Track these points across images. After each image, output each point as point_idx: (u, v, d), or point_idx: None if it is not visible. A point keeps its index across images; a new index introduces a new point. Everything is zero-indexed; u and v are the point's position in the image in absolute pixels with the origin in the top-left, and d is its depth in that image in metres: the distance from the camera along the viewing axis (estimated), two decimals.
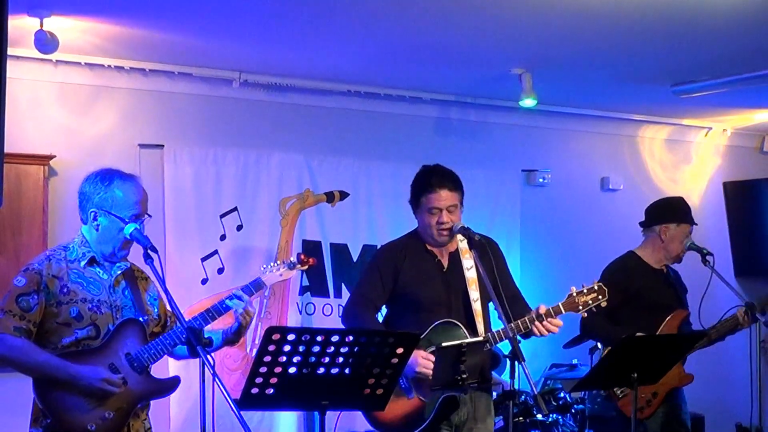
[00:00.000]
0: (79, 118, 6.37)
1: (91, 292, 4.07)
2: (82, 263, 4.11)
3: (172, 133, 6.63)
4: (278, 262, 4.67)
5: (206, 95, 6.76)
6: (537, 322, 4.67)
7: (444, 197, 4.82)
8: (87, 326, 4.03)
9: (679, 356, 5.50)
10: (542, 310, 4.67)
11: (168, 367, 5.29)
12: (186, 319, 4.07)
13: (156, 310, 4.32)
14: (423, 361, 4.62)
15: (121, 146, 6.44)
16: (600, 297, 4.81)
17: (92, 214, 4.11)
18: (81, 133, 6.36)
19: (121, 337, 4.08)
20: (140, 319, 4.17)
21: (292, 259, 4.73)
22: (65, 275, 4.05)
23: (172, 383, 4.24)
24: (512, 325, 4.62)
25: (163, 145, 6.55)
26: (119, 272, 4.19)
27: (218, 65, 6.64)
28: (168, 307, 4.35)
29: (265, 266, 4.63)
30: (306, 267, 4.78)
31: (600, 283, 4.84)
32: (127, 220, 4.07)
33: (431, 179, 4.86)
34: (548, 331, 4.69)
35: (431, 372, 4.62)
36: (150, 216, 4.25)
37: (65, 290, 4.02)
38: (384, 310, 5.10)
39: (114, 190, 4.09)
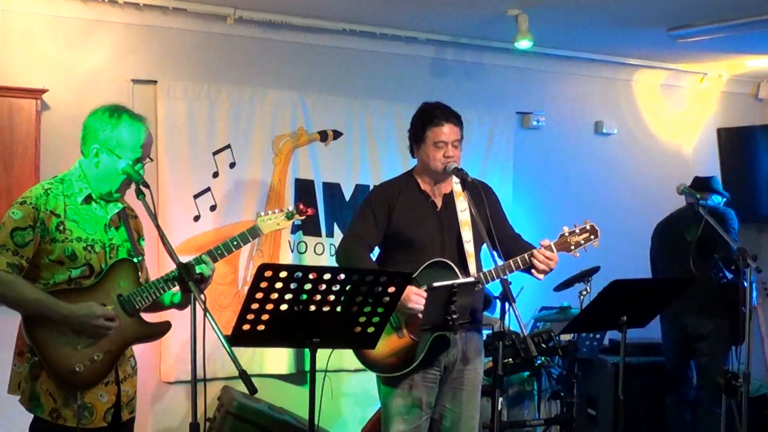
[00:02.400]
0: (72, 53, 6.32)
1: (86, 230, 4.03)
2: (79, 200, 4.05)
3: (165, 68, 6.59)
4: (276, 211, 4.64)
5: (200, 31, 6.71)
6: (537, 255, 4.69)
7: (449, 131, 4.85)
8: (81, 266, 3.99)
9: (667, 300, 5.54)
10: (545, 243, 4.71)
11: None
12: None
13: (143, 248, 4.33)
14: (415, 297, 4.63)
15: (115, 81, 6.40)
16: (592, 237, 4.83)
17: (94, 150, 4.04)
18: (74, 68, 6.32)
19: (114, 278, 4.06)
20: (134, 260, 4.15)
21: (290, 208, 4.70)
22: (63, 212, 3.99)
23: (163, 328, 4.23)
24: (503, 265, 4.63)
25: (156, 81, 6.51)
26: (116, 210, 4.15)
27: (213, 1, 6.57)
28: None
29: (262, 214, 4.60)
30: (304, 217, 4.77)
31: (592, 223, 4.84)
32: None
33: (437, 113, 4.89)
34: (546, 265, 4.70)
35: (422, 308, 4.63)
36: (151, 159, 4.21)
37: (61, 227, 3.97)
38: (377, 250, 5.12)
39: (121, 129, 4.03)
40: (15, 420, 4.15)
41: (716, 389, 6.51)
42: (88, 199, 4.08)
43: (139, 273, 4.16)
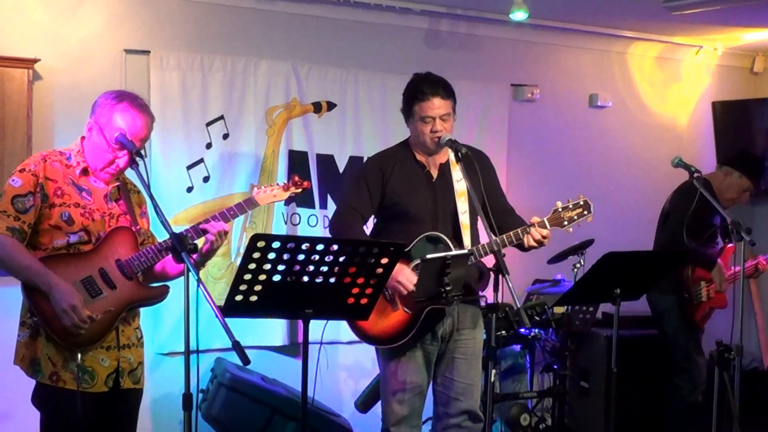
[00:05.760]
0: (64, 22, 6.27)
1: (84, 198, 4.11)
2: (77, 172, 4.15)
3: (158, 38, 6.54)
4: (272, 184, 4.68)
5: (194, 1, 6.65)
6: (526, 233, 4.69)
7: (437, 105, 4.81)
8: (78, 231, 4.07)
9: (661, 274, 5.55)
10: (534, 220, 4.70)
11: None
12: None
13: (147, 222, 4.37)
14: (406, 278, 4.66)
15: (107, 51, 6.36)
16: (585, 212, 4.81)
17: (89, 124, 4.15)
18: (66, 38, 6.27)
19: (113, 244, 4.13)
20: (132, 228, 4.21)
21: (286, 181, 4.75)
22: (60, 177, 4.09)
23: (162, 291, 4.29)
24: (497, 239, 4.62)
25: (149, 51, 6.46)
26: (115, 184, 4.24)
27: None
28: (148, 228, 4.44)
29: (258, 186, 4.64)
30: (300, 190, 4.78)
31: (585, 198, 4.83)
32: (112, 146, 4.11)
33: (424, 87, 4.84)
34: (535, 240, 4.70)
35: (406, 290, 4.66)
36: (145, 155, 4.25)
37: (59, 192, 4.06)
38: (374, 220, 5.12)
39: (116, 113, 4.11)
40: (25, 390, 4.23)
41: (683, 367, 6.59)
42: (85, 172, 4.17)
43: (138, 242, 4.23)
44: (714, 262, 6.57)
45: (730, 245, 6.62)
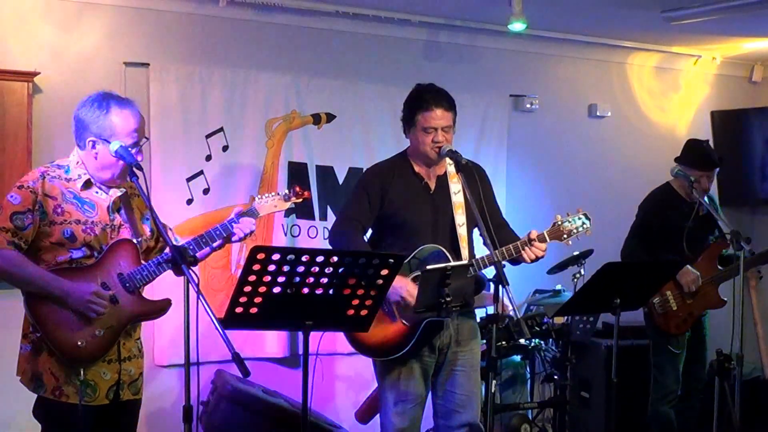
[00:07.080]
0: (64, 35, 6.28)
1: (85, 213, 4.09)
2: (79, 185, 4.12)
3: (158, 51, 6.55)
4: (273, 193, 4.67)
5: (193, 13, 6.67)
6: (526, 247, 4.68)
7: (439, 116, 4.82)
8: (81, 247, 4.06)
9: (660, 283, 5.55)
10: (533, 234, 4.68)
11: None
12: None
13: (149, 226, 4.37)
14: (410, 290, 4.65)
15: (107, 64, 6.37)
16: (584, 226, 4.82)
17: (90, 142, 4.09)
18: (66, 51, 6.28)
19: (115, 257, 4.12)
20: (134, 240, 4.19)
21: (287, 191, 4.74)
22: (60, 195, 4.06)
23: (164, 305, 4.27)
24: (497, 251, 4.63)
25: (148, 64, 6.47)
26: (118, 194, 4.20)
27: None
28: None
29: (260, 195, 4.64)
30: (301, 200, 4.77)
31: (585, 212, 4.84)
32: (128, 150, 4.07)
33: (427, 97, 4.85)
34: (536, 255, 4.69)
35: (413, 301, 4.65)
36: (147, 139, 4.25)
37: (59, 210, 4.04)
38: (370, 232, 5.12)
39: (112, 118, 4.07)
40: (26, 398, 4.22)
41: (653, 376, 6.53)
42: (87, 184, 4.15)
43: (140, 253, 4.22)
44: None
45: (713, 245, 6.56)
